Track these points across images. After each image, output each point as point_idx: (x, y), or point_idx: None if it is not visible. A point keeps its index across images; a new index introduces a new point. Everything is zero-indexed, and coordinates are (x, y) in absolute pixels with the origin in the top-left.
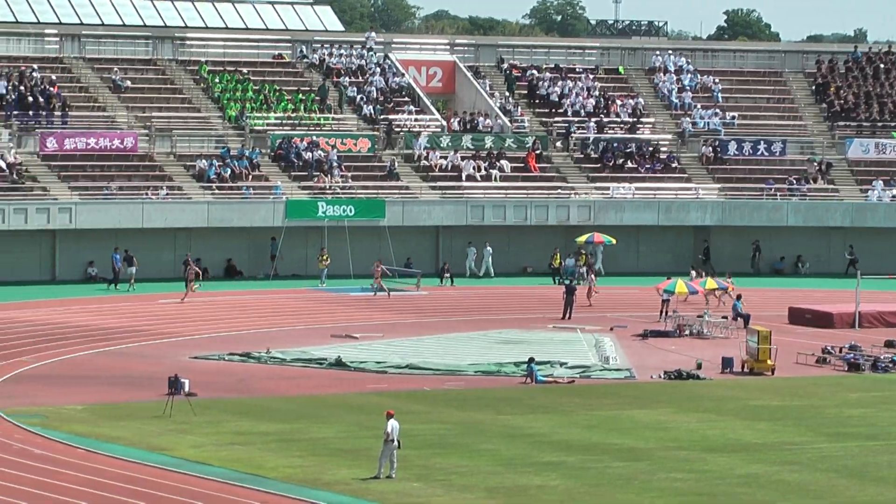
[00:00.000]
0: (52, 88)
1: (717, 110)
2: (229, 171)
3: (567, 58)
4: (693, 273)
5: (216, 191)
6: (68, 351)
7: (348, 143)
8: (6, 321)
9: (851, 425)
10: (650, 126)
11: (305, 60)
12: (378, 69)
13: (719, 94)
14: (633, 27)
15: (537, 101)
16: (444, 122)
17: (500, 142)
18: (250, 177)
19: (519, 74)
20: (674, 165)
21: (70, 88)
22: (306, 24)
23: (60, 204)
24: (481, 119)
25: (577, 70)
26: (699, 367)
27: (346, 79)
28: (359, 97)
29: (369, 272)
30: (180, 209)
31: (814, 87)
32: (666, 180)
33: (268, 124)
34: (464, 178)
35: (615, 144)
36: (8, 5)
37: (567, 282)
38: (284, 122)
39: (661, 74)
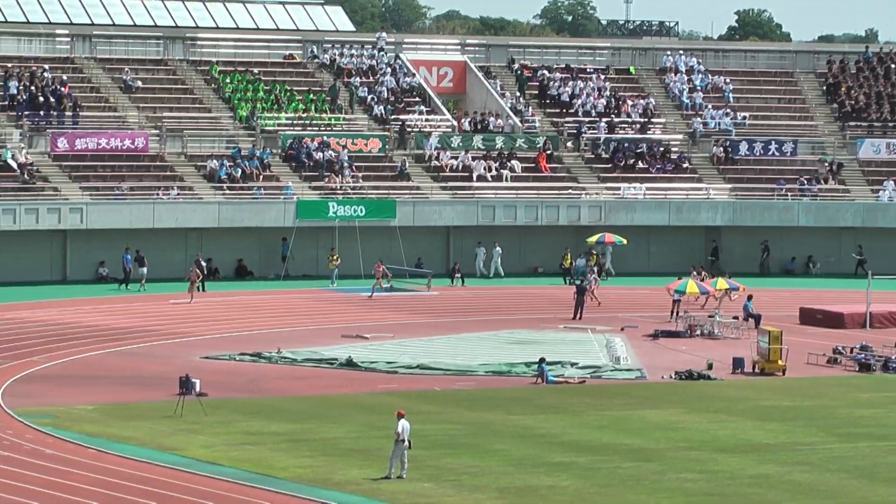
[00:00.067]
0: (63, 88)
1: (728, 110)
2: (240, 171)
3: (578, 58)
4: (693, 273)
5: (227, 191)
6: (79, 351)
7: (359, 143)
8: (17, 321)
9: (862, 426)
10: (661, 126)
11: (316, 60)
12: (389, 69)
13: (730, 95)
14: (644, 27)
15: (548, 101)
16: (455, 123)
17: (511, 142)
18: (261, 177)
19: (530, 74)
20: (685, 166)
21: (81, 88)
22: (317, 24)
23: (71, 204)
24: (492, 119)
25: (588, 70)
26: (710, 367)
27: (357, 79)
28: (369, 97)
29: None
30: (191, 209)
31: (825, 88)
32: (677, 180)
33: (279, 124)
34: (474, 178)
35: (626, 144)
36: (19, 5)
37: (578, 282)
38: (295, 122)
39: (672, 74)
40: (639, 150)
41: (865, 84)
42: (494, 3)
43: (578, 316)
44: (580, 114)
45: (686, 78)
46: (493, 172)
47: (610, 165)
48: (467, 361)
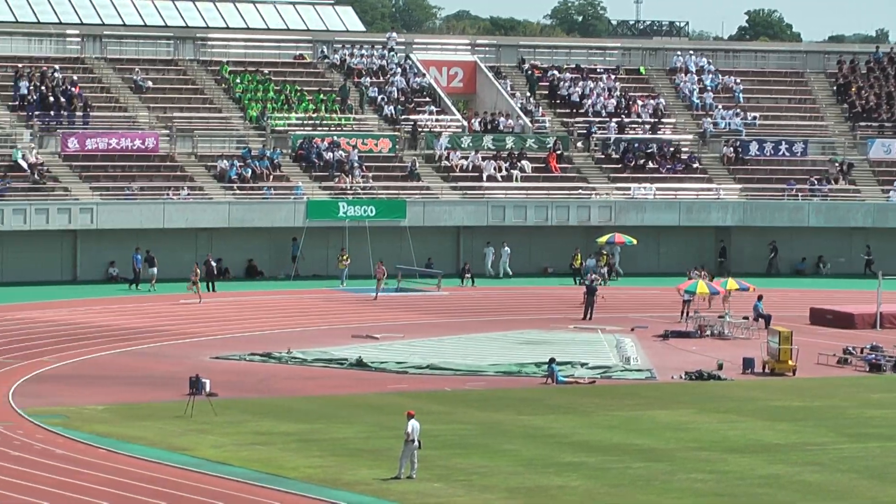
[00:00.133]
0: (73, 89)
1: (739, 111)
2: (250, 171)
3: (588, 58)
4: (695, 274)
5: (237, 191)
6: (89, 351)
7: (369, 143)
8: (28, 321)
9: (873, 426)
10: (671, 126)
11: (326, 61)
12: (399, 69)
13: (740, 95)
14: (655, 27)
15: (558, 101)
16: (465, 123)
17: (521, 142)
18: (271, 177)
19: (540, 75)
20: (695, 166)
21: (91, 89)
22: (327, 24)
23: (82, 204)
24: (502, 119)
25: (598, 70)
26: (720, 367)
27: (367, 79)
28: (380, 97)
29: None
30: (201, 209)
31: (835, 88)
32: (687, 181)
33: (289, 124)
34: (485, 178)
35: (636, 145)
36: (30, 6)
37: (588, 282)
38: (305, 122)
39: (683, 75)
40: (649, 151)
41: (876, 84)
42: (505, 3)
43: (589, 316)
44: (590, 114)
45: (696, 78)
46: (504, 173)
47: (620, 166)
48: (477, 362)
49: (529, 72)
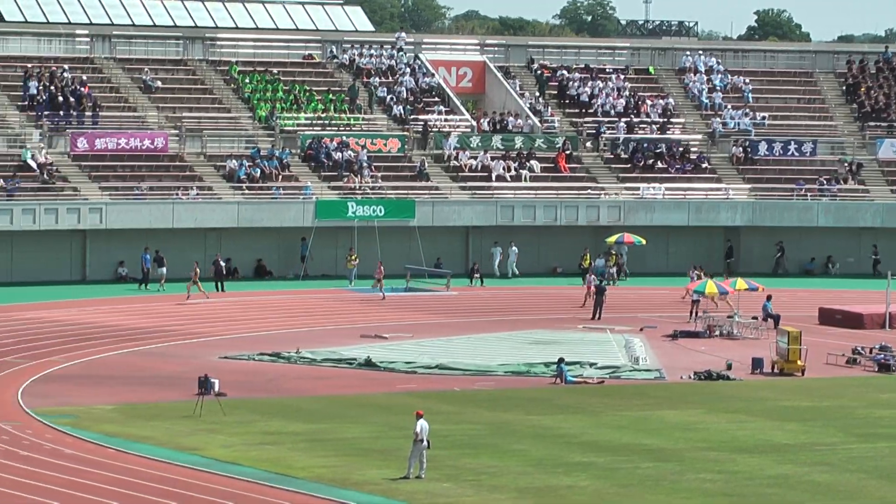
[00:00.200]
0: (82, 88)
1: (748, 110)
2: (259, 171)
3: (597, 58)
4: (694, 274)
5: (246, 191)
6: (98, 351)
7: (378, 143)
8: (37, 321)
9: (882, 426)
10: (680, 126)
11: (335, 61)
12: (408, 69)
13: (750, 95)
14: (664, 27)
15: (567, 101)
16: (474, 123)
17: (530, 142)
18: (280, 177)
19: (549, 75)
20: (704, 166)
21: (101, 89)
22: (336, 24)
23: (91, 204)
24: (511, 119)
25: (608, 70)
26: (729, 367)
27: (376, 79)
28: (389, 97)
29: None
30: (210, 209)
31: (844, 88)
32: (696, 181)
33: (298, 124)
34: (493, 178)
35: (645, 145)
36: (39, 6)
37: (597, 282)
38: (314, 122)
39: (692, 75)
40: (658, 151)
41: (885, 84)
42: (514, 3)
43: (597, 316)
44: (599, 114)
45: (705, 78)
46: (512, 172)
47: (629, 165)
48: (486, 361)
49: (539, 72)
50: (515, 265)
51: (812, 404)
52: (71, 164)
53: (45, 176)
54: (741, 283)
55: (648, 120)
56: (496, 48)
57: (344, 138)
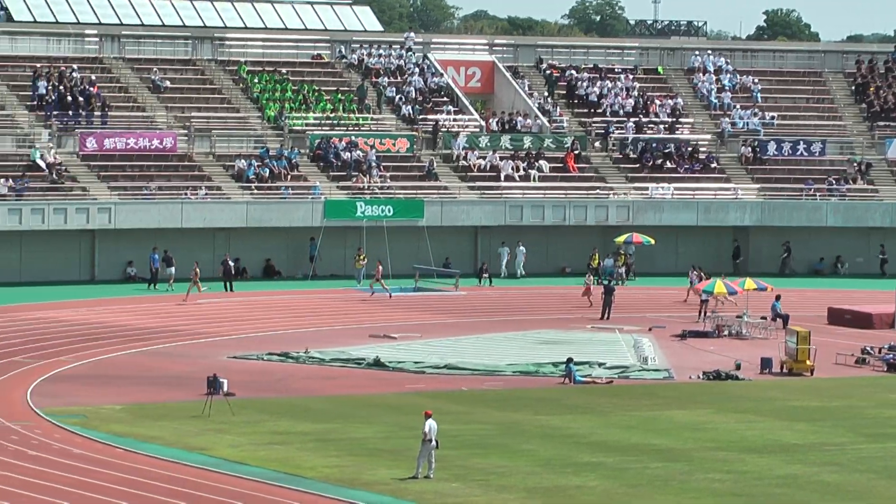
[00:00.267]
0: (91, 88)
1: (757, 110)
2: (268, 171)
3: (606, 58)
4: (693, 274)
5: (255, 191)
6: (107, 351)
7: (387, 143)
8: (46, 321)
9: (891, 426)
10: (689, 126)
11: (344, 60)
12: (417, 69)
13: (758, 94)
14: (673, 27)
15: (576, 101)
16: (483, 123)
17: (539, 142)
18: (289, 177)
19: (558, 74)
20: (713, 166)
21: (110, 88)
22: (345, 24)
23: (100, 204)
24: (520, 119)
25: (616, 70)
26: (738, 367)
27: (385, 79)
28: (397, 97)
29: (372, 273)
30: (219, 209)
31: (853, 87)
32: (705, 180)
33: (306, 124)
34: (502, 178)
35: (654, 145)
36: (48, 6)
37: (606, 282)
38: (323, 122)
39: (701, 74)
40: (667, 150)
41: (894, 84)
42: (522, 3)
43: (606, 316)
44: (608, 114)
45: (714, 78)
46: (521, 172)
47: (638, 165)
48: (495, 361)
49: (547, 71)
50: (522, 265)
51: (821, 404)
52: (80, 164)
53: (53, 176)
54: (750, 282)
55: (657, 120)
56: (505, 48)
57: (353, 138)
